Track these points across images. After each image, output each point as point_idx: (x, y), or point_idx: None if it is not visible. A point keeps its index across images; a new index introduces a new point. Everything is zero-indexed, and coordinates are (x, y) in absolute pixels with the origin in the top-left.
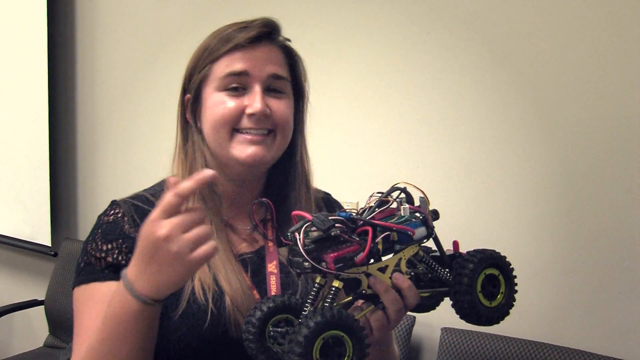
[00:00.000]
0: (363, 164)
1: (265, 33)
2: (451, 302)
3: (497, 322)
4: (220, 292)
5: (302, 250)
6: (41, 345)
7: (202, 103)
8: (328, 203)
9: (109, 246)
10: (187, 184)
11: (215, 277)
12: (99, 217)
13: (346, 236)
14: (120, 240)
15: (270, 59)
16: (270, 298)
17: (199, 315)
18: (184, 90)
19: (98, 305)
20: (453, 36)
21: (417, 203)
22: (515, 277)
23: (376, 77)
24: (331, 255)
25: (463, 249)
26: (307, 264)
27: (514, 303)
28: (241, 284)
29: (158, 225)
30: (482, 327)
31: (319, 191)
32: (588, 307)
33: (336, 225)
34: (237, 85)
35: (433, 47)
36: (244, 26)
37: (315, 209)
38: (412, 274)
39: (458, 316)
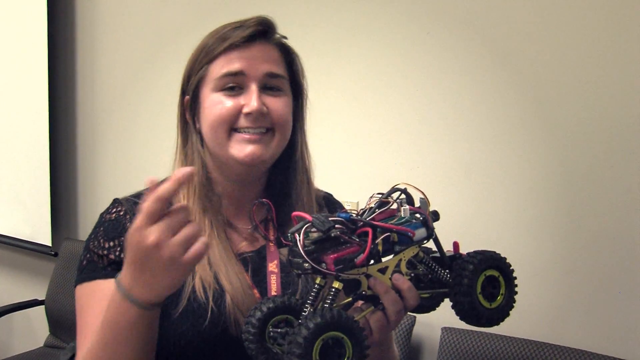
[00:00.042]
0: (363, 164)
1: (260, 31)
2: (451, 304)
3: (497, 324)
4: (220, 291)
5: (301, 251)
6: (41, 345)
7: (200, 104)
8: (329, 203)
9: (111, 244)
10: (166, 186)
11: (216, 276)
12: (101, 215)
13: (346, 237)
14: (122, 238)
15: (266, 58)
16: (270, 299)
17: (199, 313)
18: (183, 92)
19: (101, 302)
20: (453, 36)
21: (417, 204)
22: (515, 278)
23: (376, 77)
24: (331, 256)
25: (463, 248)
26: (306, 265)
27: (514, 304)
28: (242, 282)
29: (145, 233)
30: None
31: (320, 191)
32: (588, 307)
33: (336, 226)
34: (234, 84)
35: (433, 47)
36: (239, 25)
37: (316, 206)
38: (412, 275)
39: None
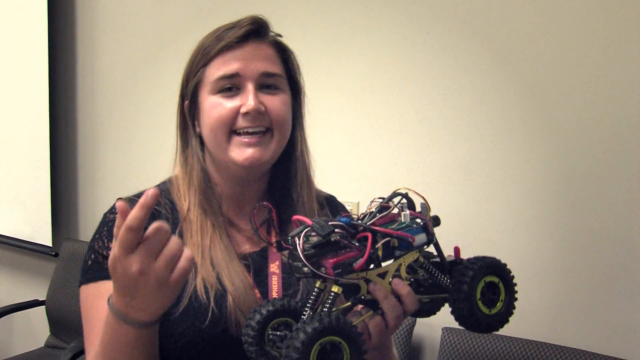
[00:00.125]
0: (363, 164)
1: (254, 31)
2: (450, 309)
3: (496, 330)
4: (222, 291)
5: (301, 255)
6: (42, 345)
7: (199, 108)
8: (332, 205)
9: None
10: (134, 214)
11: (219, 276)
12: (105, 214)
13: (346, 242)
14: None
15: (261, 57)
16: (270, 301)
17: (199, 313)
18: (182, 96)
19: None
20: (453, 36)
21: (418, 209)
22: (515, 284)
23: (376, 77)
24: (330, 260)
25: (463, 248)
26: (306, 269)
27: (513, 311)
28: (244, 283)
29: (126, 263)
30: None
31: (322, 192)
32: (588, 307)
33: (336, 230)
34: (231, 86)
35: (433, 47)
36: (232, 26)
37: (317, 206)
38: (412, 279)
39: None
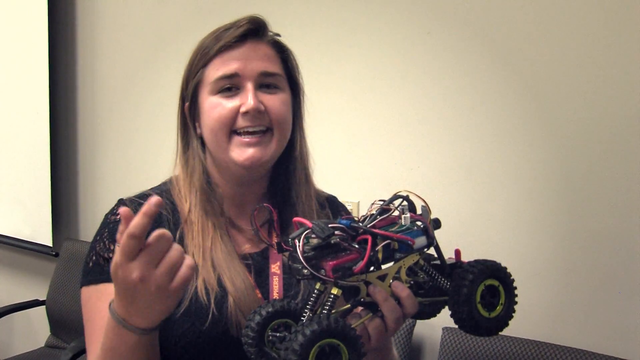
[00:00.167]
0: (363, 164)
1: (252, 30)
2: (449, 312)
3: (496, 334)
4: (223, 293)
5: (300, 258)
6: (42, 345)
7: (200, 108)
8: (333, 205)
9: (116, 245)
10: (137, 221)
11: (220, 278)
12: (106, 215)
13: (346, 244)
14: None
15: (260, 56)
16: (270, 302)
17: (200, 315)
18: (183, 98)
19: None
20: (453, 36)
21: (419, 211)
22: (515, 288)
23: (376, 77)
24: (330, 263)
25: (463, 248)
26: (306, 271)
27: (513, 314)
28: (245, 284)
29: (127, 269)
30: None
31: (323, 192)
32: (588, 307)
33: (336, 232)
34: (230, 86)
35: (433, 47)
36: (230, 26)
37: (317, 205)
38: (412, 282)
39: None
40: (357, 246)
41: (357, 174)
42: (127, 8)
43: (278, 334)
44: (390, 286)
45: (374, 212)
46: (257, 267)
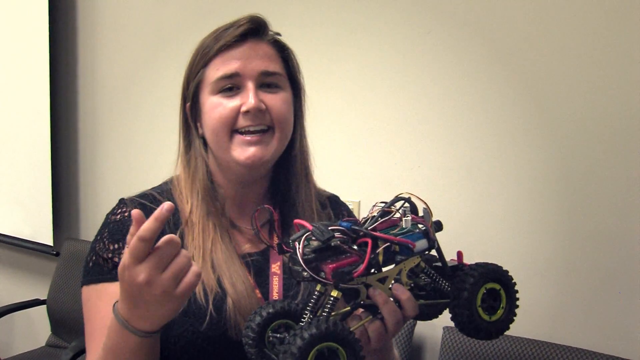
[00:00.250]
0: (363, 164)
1: (252, 30)
2: (450, 315)
3: (496, 337)
4: (222, 294)
5: (300, 260)
6: (43, 344)
7: (201, 108)
8: (334, 204)
9: (116, 246)
10: (148, 225)
11: (219, 279)
12: (107, 215)
13: (346, 247)
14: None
15: (260, 55)
16: (270, 303)
17: (198, 316)
18: (184, 98)
19: (109, 305)
20: (453, 36)
21: (420, 213)
22: (517, 292)
23: (376, 77)
24: (330, 265)
25: (463, 248)
26: (305, 273)
27: (514, 318)
28: (245, 285)
29: (134, 272)
30: None
31: (324, 191)
32: (588, 306)
33: (336, 235)
34: (231, 85)
35: (433, 47)
36: (230, 25)
37: (317, 205)
38: (413, 284)
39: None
40: (357, 249)
41: (358, 173)
42: (127, 8)
43: (278, 335)
44: (390, 289)
45: (375, 214)
46: (258, 266)
